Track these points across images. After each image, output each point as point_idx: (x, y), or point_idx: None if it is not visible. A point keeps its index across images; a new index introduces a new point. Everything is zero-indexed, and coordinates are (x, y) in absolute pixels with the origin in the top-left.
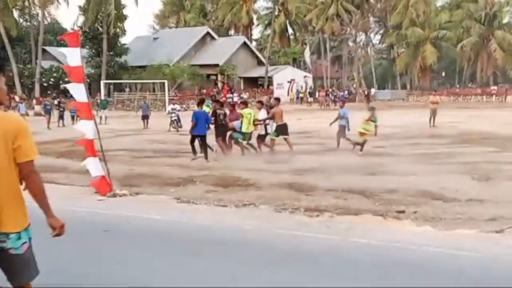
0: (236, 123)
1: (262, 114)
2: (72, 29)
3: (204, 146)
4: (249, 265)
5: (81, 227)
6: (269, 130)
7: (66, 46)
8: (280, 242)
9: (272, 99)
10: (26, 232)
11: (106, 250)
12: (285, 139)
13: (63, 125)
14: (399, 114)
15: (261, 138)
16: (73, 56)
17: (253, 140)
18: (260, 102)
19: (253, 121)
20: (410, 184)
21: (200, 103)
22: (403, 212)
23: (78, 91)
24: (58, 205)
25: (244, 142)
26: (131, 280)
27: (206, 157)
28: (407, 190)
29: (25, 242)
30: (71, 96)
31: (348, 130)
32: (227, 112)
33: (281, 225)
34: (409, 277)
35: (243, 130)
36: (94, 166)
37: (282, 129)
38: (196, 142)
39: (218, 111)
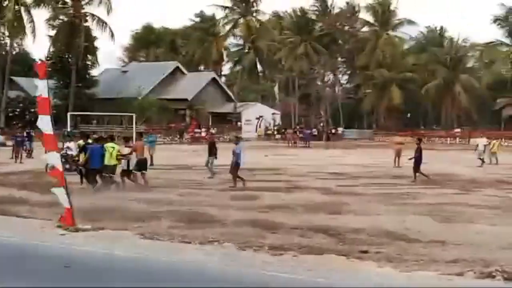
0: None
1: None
2: (40, 60)
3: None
4: None
5: (42, 262)
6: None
7: (33, 76)
8: (244, 281)
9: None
10: None
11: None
12: (142, 173)
13: (31, 157)
14: (365, 153)
15: (124, 172)
16: (42, 88)
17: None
18: (126, 138)
19: (117, 156)
20: (374, 224)
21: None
22: (366, 252)
23: (44, 123)
24: (19, 239)
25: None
26: None
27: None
28: (371, 230)
29: None
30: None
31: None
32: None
33: (245, 263)
34: None
35: (105, 163)
36: (62, 196)
37: (142, 164)
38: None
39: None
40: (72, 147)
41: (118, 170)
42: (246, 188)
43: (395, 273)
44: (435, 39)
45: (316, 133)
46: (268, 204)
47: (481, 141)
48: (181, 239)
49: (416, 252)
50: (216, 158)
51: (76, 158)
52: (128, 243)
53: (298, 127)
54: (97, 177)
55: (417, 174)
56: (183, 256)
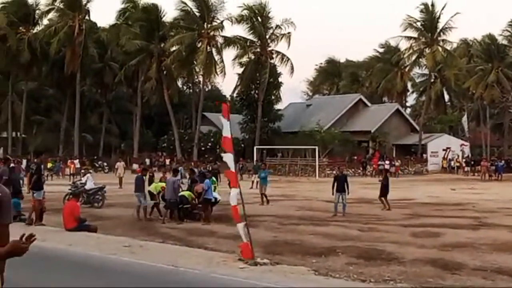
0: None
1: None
2: (230, 96)
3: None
4: None
5: None
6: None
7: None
8: None
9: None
10: None
11: None
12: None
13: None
14: None
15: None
16: (225, 127)
17: None
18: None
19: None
20: None
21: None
22: None
23: (229, 160)
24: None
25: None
26: None
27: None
28: None
29: None
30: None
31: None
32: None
33: None
34: None
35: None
36: (241, 231)
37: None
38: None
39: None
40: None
41: None
42: (427, 225)
43: None
44: None
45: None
46: (450, 242)
47: None
48: (357, 276)
49: None
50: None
51: None
52: (301, 279)
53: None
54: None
55: None
56: None
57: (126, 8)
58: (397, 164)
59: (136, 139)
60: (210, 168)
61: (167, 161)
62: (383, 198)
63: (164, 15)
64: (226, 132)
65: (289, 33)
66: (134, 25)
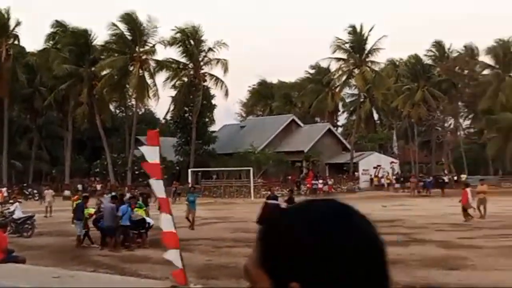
0: None
1: None
2: (164, 119)
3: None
4: None
5: None
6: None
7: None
8: None
9: None
10: None
11: None
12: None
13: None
14: (490, 201)
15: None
16: (151, 154)
17: None
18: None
19: None
20: (491, 281)
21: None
22: None
23: (157, 186)
24: None
25: None
26: None
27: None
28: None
29: None
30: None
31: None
32: None
33: None
34: None
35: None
36: (173, 257)
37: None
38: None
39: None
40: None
41: None
42: None
43: None
44: None
45: (444, 181)
46: None
47: None
48: None
49: None
50: None
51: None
52: None
53: (420, 175)
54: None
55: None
56: None
57: (56, 32)
58: (330, 182)
59: (67, 164)
60: (139, 193)
61: (98, 187)
62: None
63: (95, 39)
64: (154, 158)
65: (225, 59)
66: (64, 49)
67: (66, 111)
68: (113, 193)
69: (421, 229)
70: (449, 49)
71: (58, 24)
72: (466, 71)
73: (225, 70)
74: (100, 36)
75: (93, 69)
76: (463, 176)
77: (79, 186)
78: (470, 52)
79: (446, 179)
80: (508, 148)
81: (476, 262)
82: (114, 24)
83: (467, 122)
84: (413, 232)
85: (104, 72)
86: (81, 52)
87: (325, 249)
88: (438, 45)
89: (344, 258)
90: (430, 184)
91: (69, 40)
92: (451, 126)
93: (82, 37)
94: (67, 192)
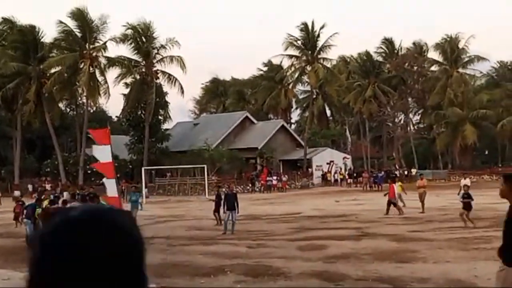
0: None
1: None
2: (117, 117)
3: None
4: None
5: None
6: None
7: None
8: None
9: None
10: None
11: None
12: None
13: None
14: (440, 195)
15: None
16: (103, 153)
17: None
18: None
19: None
20: (442, 272)
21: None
22: None
23: (110, 185)
24: None
25: None
26: None
27: None
28: (438, 279)
29: None
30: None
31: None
32: None
33: None
34: None
35: None
36: None
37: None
38: None
39: None
40: None
41: None
42: (313, 238)
43: None
44: (508, 74)
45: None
46: (335, 254)
47: None
48: None
49: None
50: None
51: None
52: None
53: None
54: None
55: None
56: None
57: (3, 29)
58: (284, 179)
59: (16, 164)
60: (87, 192)
61: (48, 186)
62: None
63: (43, 36)
64: (106, 158)
65: (179, 56)
66: (10, 46)
67: (15, 110)
68: (56, 194)
69: (372, 223)
70: (398, 45)
71: (5, 21)
72: (415, 68)
73: (182, 67)
74: (49, 33)
75: (41, 66)
76: (414, 171)
77: (30, 186)
78: (419, 48)
79: (397, 173)
80: (456, 142)
81: (426, 255)
82: (61, 22)
83: (417, 117)
84: (365, 227)
85: (54, 70)
86: (28, 49)
87: (77, 253)
88: (388, 42)
89: (97, 259)
90: (381, 179)
91: (16, 37)
92: (402, 122)
93: (30, 34)
94: (17, 193)
